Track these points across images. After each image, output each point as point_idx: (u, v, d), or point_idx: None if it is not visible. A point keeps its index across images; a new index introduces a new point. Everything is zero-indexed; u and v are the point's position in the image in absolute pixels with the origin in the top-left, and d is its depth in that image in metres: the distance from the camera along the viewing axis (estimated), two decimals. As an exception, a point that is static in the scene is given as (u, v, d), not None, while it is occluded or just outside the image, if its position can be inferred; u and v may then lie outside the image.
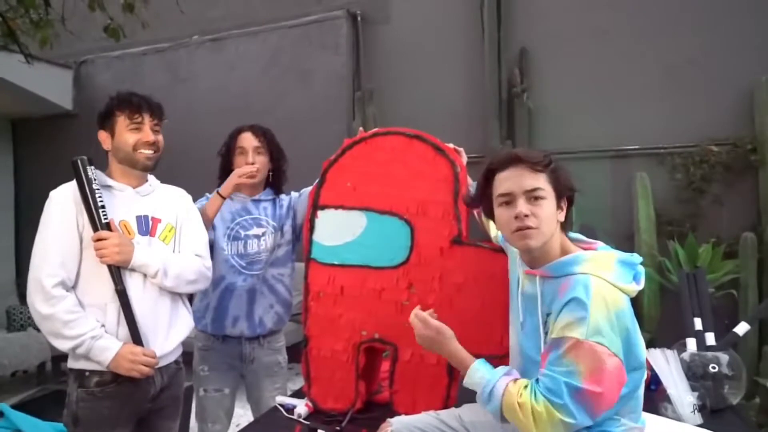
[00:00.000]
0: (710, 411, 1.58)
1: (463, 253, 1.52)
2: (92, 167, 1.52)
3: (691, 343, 1.76)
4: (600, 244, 1.25)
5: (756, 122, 3.24)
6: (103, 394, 1.49)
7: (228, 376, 1.97)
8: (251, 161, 1.92)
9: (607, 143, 3.56)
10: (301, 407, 1.63)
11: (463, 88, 3.97)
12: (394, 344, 1.58)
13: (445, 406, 1.49)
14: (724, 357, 1.68)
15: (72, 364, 1.52)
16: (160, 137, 1.63)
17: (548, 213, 1.16)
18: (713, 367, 1.66)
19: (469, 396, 1.44)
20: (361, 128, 1.71)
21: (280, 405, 1.69)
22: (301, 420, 1.59)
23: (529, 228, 1.15)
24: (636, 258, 1.20)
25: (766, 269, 3.07)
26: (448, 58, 4.04)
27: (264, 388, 1.96)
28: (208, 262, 1.68)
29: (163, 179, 1.74)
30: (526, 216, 1.15)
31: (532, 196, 1.16)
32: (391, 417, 1.41)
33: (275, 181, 2.02)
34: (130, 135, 1.57)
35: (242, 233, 1.94)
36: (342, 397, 1.63)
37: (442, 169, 1.55)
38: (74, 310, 1.45)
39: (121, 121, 1.58)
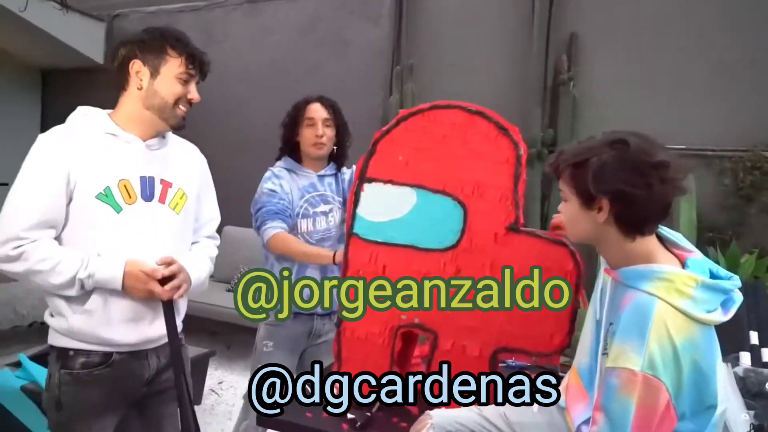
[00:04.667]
0: (766, 432, 1.48)
1: (519, 241, 1.42)
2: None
3: (746, 358, 1.66)
4: (695, 255, 1.11)
5: (815, 130, 3.08)
6: (90, 378, 1.31)
7: (290, 356, 1.94)
8: (320, 133, 1.88)
9: None
10: (331, 389, 1.56)
11: (506, 71, 3.82)
12: (434, 332, 1.50)
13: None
14: (783, 376, 1.57)
15: (53, 340, 1.33)
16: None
17: (569, 214, 1.13)
18: (771, 386, 1.55)
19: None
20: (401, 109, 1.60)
21: (308, 384, 1.63)
22: (330, 402, 1.52)
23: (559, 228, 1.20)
24: (731, 283, 1.07)
25: (812, 285, 2.93)
26: (493, 39, 3.88)
27: (324, 363, 1.91)
28: (218, 241, 1.58)
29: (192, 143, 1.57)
30: (560, 213, 1.19)
31: (563, 197, 1.16)
32: (424, 408, 1.34)
33: (339, 156, 1.96)
34: (177, 85, 1.35)
35: (311, 210, 1.90)
36: (374, 382, 1.56)
37: (504, 150, 1.44)
38: (52, 254, 1.23)
39: (173, 64, 1.34)
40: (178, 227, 1.44)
